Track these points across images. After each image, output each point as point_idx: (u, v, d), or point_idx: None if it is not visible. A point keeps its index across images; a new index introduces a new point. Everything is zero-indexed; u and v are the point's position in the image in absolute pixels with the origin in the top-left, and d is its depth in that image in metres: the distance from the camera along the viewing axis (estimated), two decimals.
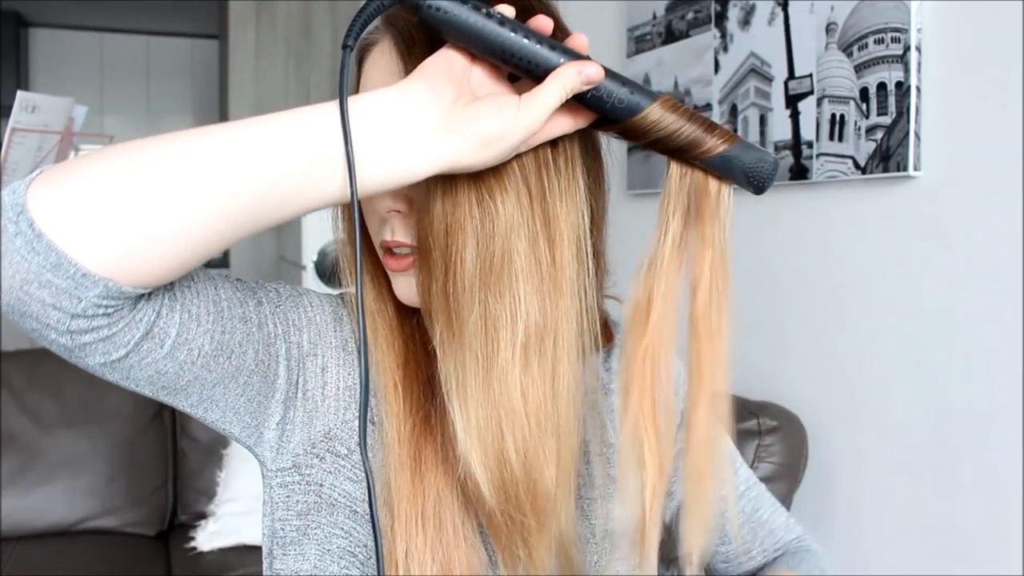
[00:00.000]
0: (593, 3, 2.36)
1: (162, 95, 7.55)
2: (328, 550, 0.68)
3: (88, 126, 2.99)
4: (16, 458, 2.32)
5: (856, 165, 1.57)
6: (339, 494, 0.69)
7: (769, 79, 1.77)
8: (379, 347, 0.70)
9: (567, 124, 0.62)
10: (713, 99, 1.94)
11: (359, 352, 0.60)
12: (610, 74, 0.60)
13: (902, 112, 1.48)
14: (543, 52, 0.59)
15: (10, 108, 2.45)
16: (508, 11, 0.60)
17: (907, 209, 1.52)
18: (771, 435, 1.63)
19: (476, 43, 0.59)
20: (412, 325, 0.72)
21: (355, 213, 0.58)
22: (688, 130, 0.61)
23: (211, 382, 0.63)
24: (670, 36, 2.08)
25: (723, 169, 0.63)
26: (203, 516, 2.41)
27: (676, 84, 2.06)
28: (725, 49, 1.90)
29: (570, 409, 0.65)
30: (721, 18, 1.91)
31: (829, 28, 1.62)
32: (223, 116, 4.90)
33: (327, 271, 3.27)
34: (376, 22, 0.70)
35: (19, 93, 2.46)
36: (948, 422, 1.46)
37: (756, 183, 0.63)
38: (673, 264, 0.64)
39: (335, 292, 0.78)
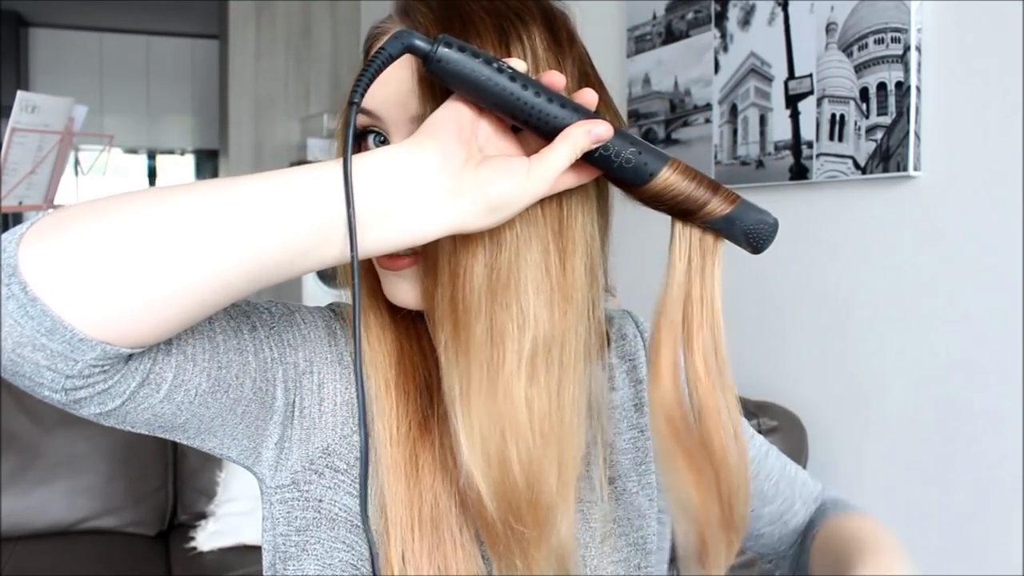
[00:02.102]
0: (593, 3, 2.36)
1: (162, 95, 7.55)
2: (329, 564, 0.68)
3: (88, 126, 2.99)
4: (16, 458, 2.32)
5: (856, 165, 1.57)
6: (339, 509, 0.68)
7: (769, 79, 1.77)
8: (370, 345, 0.69)
9: (571, 180, 0.61)
10: (713, 99, 1.94)
11: (359, 403, 0.59)
12: (619, 133, 0.59)
13: (902, 112, 1.48)
14: (553, 110, 0.58)
15: (10, 108, 2.45)
16: (519, 65, 0.59)
17: (907, 209, 1.52)
18: (771, 435, 1.63)
19: (486, 98, 0.57)
20: (407, 323, 0.71)
21: (354, 278, 0.56)
22: (697, 194, 0.61)
23: (209, 417, 0.62)
24: (670, 36, 2.08)
25: (725, 230, 0.62)
26: (203, 516, 2.41)
27: (676, 84, 2.06)
28: (725, 49, 1.90)
29: (574, 419, 0.64)
30: (721, 18, 1.91)
31: (829, 28, 1.62)
32: (223, 116, 4.90)
33: (328, 271, 3.27)
34: (389, 10, 0.69)
35: (19, 93, 2.47)
36: (948, 422, 1.46)
37: (755, 243, 0.62)
38: (679, 314, 0.65)
39: (326, 302, 0.77)
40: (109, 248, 0.50)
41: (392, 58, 0.57)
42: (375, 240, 0.55)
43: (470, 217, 0.56)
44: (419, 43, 0.57)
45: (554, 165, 0.57)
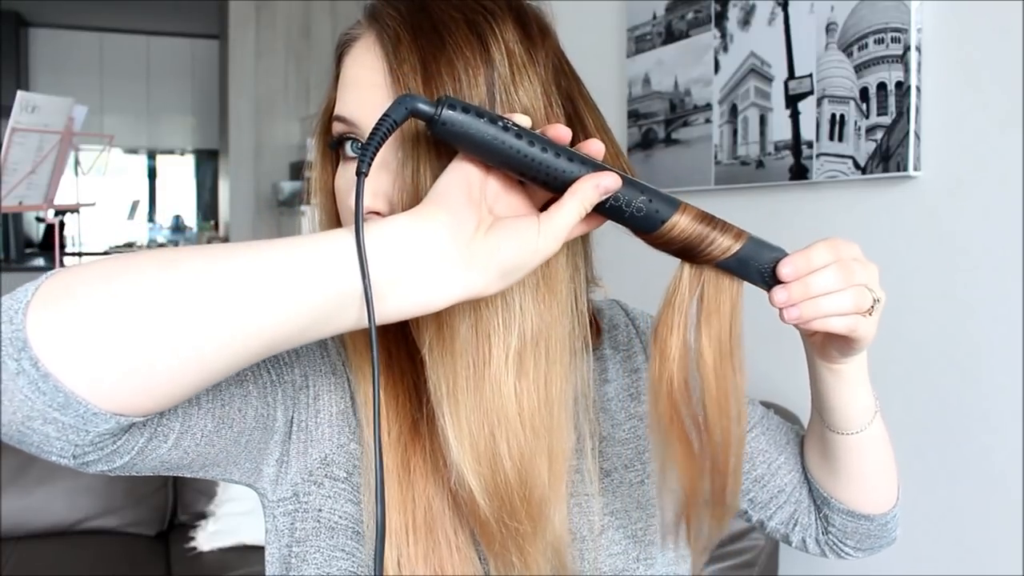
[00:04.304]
0: (593, 3, 2.36)
1: (162, 95, 7.56)
2: (328, 573, 0.68)
3: (88, 126, 2.99)
4: (16, 458, 2.32)
5: (856, 165, 1.57)
6: (339, 517, 0.68)
7: (769, 79, 1.77)
8: (358, 352, 0.69)
9: (580, 229, 0.61)
10: (713, 99, 1.94)
11: (375, 447, 0.58)
12: (628, 182, 0.59)
13: (902, 112, 1.48)
14: (561, 164, 0.57)
15: (10, 108, 2.45)
16: (523, 120, 0.58)
17: (907, 209, 1.52)
18: None
19: (493, 157, 0.56)
20: (394, 327, 0.70)
21: (373, 350, 0.56)
22: (708, 235, 0.60)
23: (214, 453, 0.63)
24: (670, 36, 2.08)
25: (737, 269, 0.62)
26: (203, 516, 2.42)
27: (676, 84, 2.06)
28: (725, 49, 1.90)
29: (562, 412, 0.64)
30: (721, 18, 1.91)
31: (829, 28, 1.62)
32: (223, 116, 4.90)
33: None
34: (359, 16, 0.68)
35: (19, 93, 2.47)
36: (947, 422, 1.46)
37: (770, 283, 0.62)
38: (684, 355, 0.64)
39: None
40: (122, 322, 0.49)
41: (396, 125, 0.56)
42: (389, 309, 0.54)
43: (483, 284, 0.56)
44: (422, 107, 0.55)
45: (564, 223, 0.57)
